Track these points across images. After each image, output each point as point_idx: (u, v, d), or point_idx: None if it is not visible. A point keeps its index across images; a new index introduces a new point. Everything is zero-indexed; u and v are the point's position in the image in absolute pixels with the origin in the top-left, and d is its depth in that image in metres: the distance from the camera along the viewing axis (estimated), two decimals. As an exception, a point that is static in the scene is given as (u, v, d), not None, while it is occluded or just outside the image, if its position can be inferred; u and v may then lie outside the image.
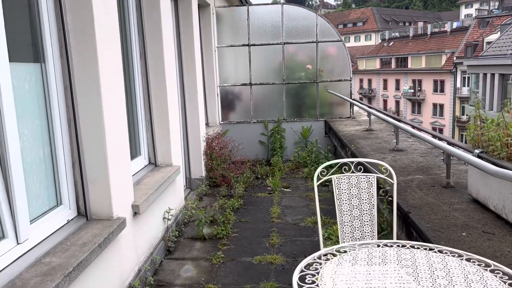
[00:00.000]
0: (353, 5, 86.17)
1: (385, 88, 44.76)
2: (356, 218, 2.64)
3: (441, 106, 37.90)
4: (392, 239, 3.18)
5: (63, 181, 2.75)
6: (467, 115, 32.32)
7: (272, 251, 4.05)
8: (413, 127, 4.21)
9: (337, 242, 3.33)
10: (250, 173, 6.51)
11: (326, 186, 6.13)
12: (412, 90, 40.32)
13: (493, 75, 23.95)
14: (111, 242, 2.71)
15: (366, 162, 2.79)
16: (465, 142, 3.16)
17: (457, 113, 36.01)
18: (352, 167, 2.69)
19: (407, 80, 41.33)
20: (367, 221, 2.64)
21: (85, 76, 2.71)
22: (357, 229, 2.63)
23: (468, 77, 32.71)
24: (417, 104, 40.36)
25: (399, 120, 4.45)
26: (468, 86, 33.57)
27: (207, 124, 7.06)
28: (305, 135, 7.58)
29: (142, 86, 4.18)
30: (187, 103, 5.71)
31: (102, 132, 2.79)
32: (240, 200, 5.42)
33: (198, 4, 6.13)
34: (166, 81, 4.29)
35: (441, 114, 38.10)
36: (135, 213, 3.27)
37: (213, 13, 7.11)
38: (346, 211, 2.65)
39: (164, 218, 4.07)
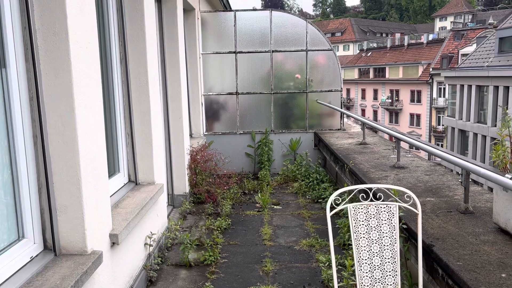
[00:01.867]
0: (332, 16, 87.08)
1: (363, 97, 45.18)
2: (376, 254, 2.27)
3: (418, 116, 38.48)
4: (411, 278, 2.82)
5: (26, 209, 2.28)
6: (443, 125, 32.79)
7: (266, 280, 3.64)
8: (418, 141, 3.88)
9: (351, 279, 2.96)
10: (237, 188, 6.09)
11: (319, 203, 5.77)
12: (390, 100, 40.82)
13: (470, 86, 24.36)
14: (84, 284, 2.25)
15: (385, 188, 2.43)
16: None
17: (434, 123, 36.61)
18: (371, 195, 2.33)
19: (385, 90, 41.84)
20: (388, 258, 2.27)
21: (55, 84, 2.27)
22: (377, 268, 2.26)
23: (444, 88, 33.31)
24: (394, 114, 40.88)
25: (403, 135, 4.13)
26: (444, 96, 34.18)
27: (191, 136, 6.61)
28: (294, 147, 7.22)
29: (122, 94, 3.73)
30: (171, 113, 5.26)
31: (75, 150, 2.34)
32: (228, 219, 4.99)
33: (183, 8, 5.71)
34: (149, 89, 3.85)
35: (418, 124, 38.68)
36: (113, 243, 2.81)
37: (198, 18, 6.70)
38: (364, 246, 2.28)
39: (145, 244, 3.60)
